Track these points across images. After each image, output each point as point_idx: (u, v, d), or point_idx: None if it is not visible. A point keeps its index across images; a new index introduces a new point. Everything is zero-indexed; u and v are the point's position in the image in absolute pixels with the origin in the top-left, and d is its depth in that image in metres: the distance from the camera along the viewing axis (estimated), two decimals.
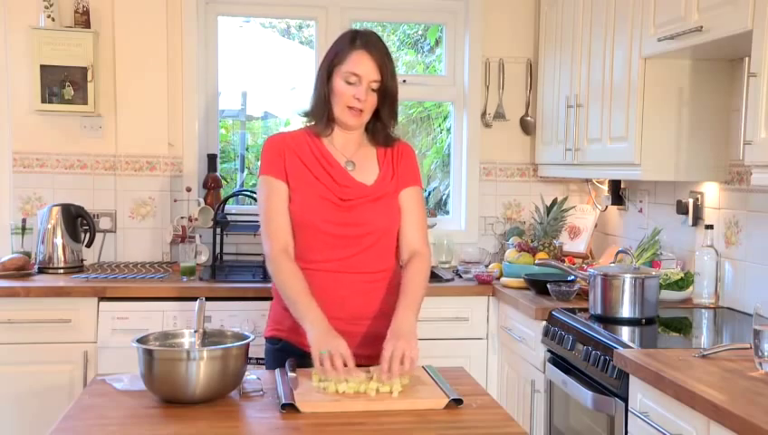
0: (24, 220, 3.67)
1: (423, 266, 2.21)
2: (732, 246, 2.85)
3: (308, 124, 2.27)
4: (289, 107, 4.56)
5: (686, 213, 3.08)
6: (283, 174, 2.18)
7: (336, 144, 2.24)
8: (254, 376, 1.93)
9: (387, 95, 2.19)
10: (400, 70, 4.63)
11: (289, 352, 2.17)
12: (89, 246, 3.61)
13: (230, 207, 3.89)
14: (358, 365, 1.95)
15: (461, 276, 3.59)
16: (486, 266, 3.70)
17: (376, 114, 2.23)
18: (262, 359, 3.14)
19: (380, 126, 2.25)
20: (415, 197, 2.26)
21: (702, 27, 2.38)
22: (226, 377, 1.78)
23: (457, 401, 1.78)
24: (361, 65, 2.14)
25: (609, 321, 2.60)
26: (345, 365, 1.89)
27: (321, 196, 2.16)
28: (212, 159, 3.88)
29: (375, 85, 2.16)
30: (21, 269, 3.37)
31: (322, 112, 2.20)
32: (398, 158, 2.27)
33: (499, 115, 4.03)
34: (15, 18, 3.66)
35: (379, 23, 4.33)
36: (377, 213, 2.19)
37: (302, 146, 2.21)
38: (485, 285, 3.41)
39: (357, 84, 2.14)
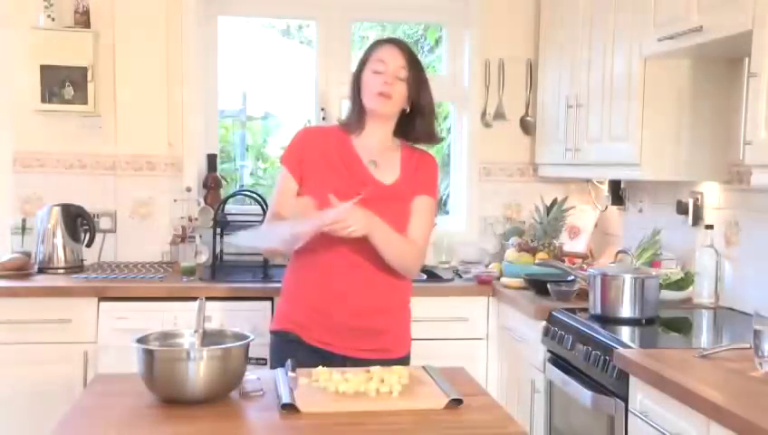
0: (23, 220, 3.67)
1: (413, 247, 2.27)
2: (732, 246, 2.85)
3: (342, 122, 2.37)
4: (289, 107, 4.55)
5: (686, 213, 3.08)
6: (297, 167, 2.29)
7: (363, 142, 2.31)
8: (254, 376, 1.92)
9: (421, 87, 2.26)
10: None
11: (296, 344, 2.20)
12: (89, 246, 3.61)
13: (230, 207, 3.89)
14: (356, 360, 2.00)
15: (461, 276, 3.59)
16: (486, 266, 3.70)
17: (411, 116, 2.30)
18: (262, 359, 3.14)
19: (418, 123, 2.32)
20: (426, 204, 2.33)
21: (702, 27, 2.38)
22: (226, 377, 1.78)
23: (457, 401, 1.78)
24: (387, 53, 2.25)
25: (609, 321, 2.60)
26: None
27: (337, 188, 2.19)
28: (212, 159, 3.88)
29: (402, 73, 2.24)
30: (21, 269, 3.37)
31: (354, 109, 2.32)
32: (421, 166, 2.35)
33: (499, 115, 4.03)
34: (15, 18, 3.66)
35: (379, 23, 4.32)
36: (387, 212, 2.22)
37: (328, 140, 2.31)
38: (485, 285, 3.40)
39: (383, 72, 2.23)
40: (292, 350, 2.18)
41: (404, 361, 2.27)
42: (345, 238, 2.15)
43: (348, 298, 2.21)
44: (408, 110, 2.31)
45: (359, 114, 2.30)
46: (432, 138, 2.37)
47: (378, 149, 2.31)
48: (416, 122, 2.33)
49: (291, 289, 2.33)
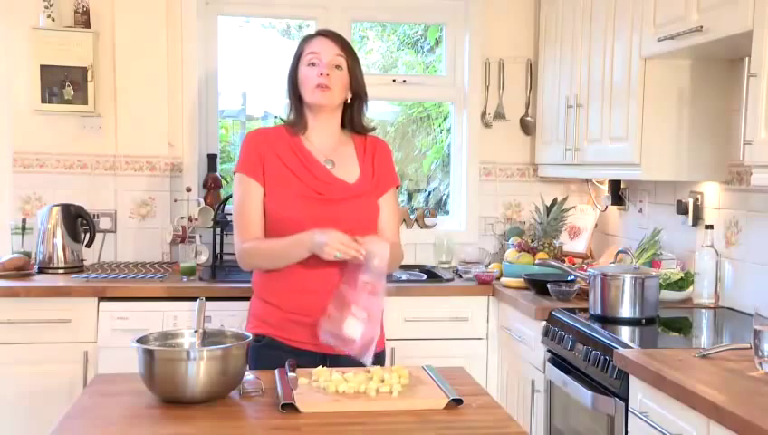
0: (24, 220, 3.66)
1: (397, 248, 2.28)
2: (732, 246, 2.85)
3: (285, 121, 2.33)
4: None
5: (686, 213, 3.08)
6: (259, 172, 2.23)
7: (314, 142, 2.29)
8: (254, 376, 1.92)
9: (353, 76, 2.25)
10: (400, 70, 4.63)
11: (275, 348, 2.19)
12: (89, 246, 3.61)
13: (230, 207, 3.88)
14: (336, 357, 2.03)
15: (461, 276, 3.59)
16: (486, 266, 3.70)
17: (349, 106, 2.29)
18: None
19: (357, 110, 2.31)
20: (392, 196, 2.35)
21: (702, 27, 2.38)
22: (226, 377, 1.78)
23: (457, 401, 1.78)
24: (319, 45, 2.25)
25: (609, 321, 2.60)
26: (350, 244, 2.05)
27: (300, 192, 2.20)
28: (212, 159, 3.88)
29: (339, 61, 2.23)
30: (21, 269, 3.37)
31: (295, 108, 2.28)
32: (377, 156, 2.33)
33: (499, 115, 4.03)
34: (15, 18, 3.66)
35: (379, 23, 4.32)
36: (358, 210, 2.23)
37: (281, 142, 2.26)
38: (485, 285, 3.41)
39: (318, 64, 2.22)
40: (269, 354, 2.17)
41: (380, 355, 2.26)
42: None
43: (321, 297, 2.16)
44: (350, 99, 2.29)
45: (300, 112, 2.27)
46: (364, 128, 2.34)
47: (330, 146, 2.29)
48: (357, 110, 2.31)
49: (263, 290, 2.30)
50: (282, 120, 2.37)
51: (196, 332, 1.89)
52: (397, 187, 2.38)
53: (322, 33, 2.30)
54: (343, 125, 2.33)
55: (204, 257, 3.61)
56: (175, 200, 3.80)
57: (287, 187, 2.21)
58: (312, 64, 2.22)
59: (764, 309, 2.07)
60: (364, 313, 2.07)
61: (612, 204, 3.69)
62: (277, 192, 2.22)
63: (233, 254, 3.71)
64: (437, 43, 4.43)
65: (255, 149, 2.26)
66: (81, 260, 3.58)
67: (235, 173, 2.29)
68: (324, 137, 2.29)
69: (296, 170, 2.22)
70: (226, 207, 3.70)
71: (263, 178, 2.23)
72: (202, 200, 3.79)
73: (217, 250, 3.56)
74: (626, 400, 2.18)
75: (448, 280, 3.51)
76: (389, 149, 2.41)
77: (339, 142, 2.31)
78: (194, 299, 2.02)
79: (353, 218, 2.21)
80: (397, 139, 4.78)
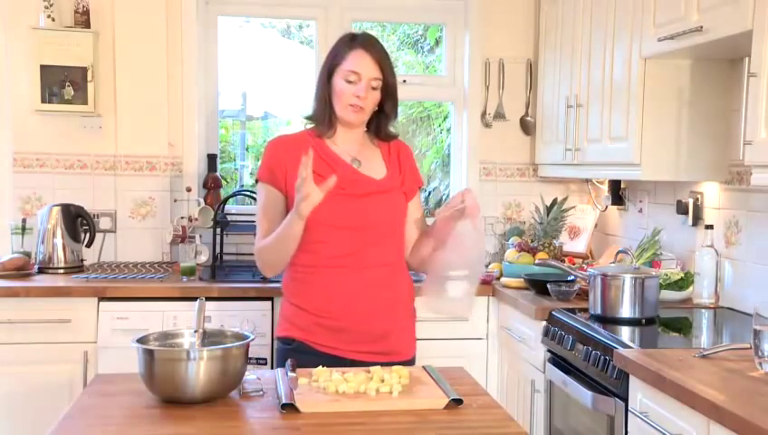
0: (24, 220, 3.66)
1: None
2: (732, 246, 2.85)
3: (310, 126, 2.31)
4: (289, 107, 4.56)
5: (686, 213, 3.08)
6: (281, 181, 2.22)
7: (339, 144, 2.28)
8: (254, 376, 1.93)
9: (388, 93, 2.25)
10: (400, 70, 4.63)
11: (304, 352, 2.18)
12: (89, 246, 3.61)
13: (230, 207, 3.89)
14: (364, 363, 1.99)
15: None
16: (486, 266, 3.70)
17: (379, 111, 2.28)
18: (262, 359, 3.17)
19: (384, 122, 2.31)
20: (419, 199, 2.40)
21: (702, 27, 2.38)
22: (226, 377, 1.78)
23: (457, 401, 1.78)
24: (360, 63, 2.19)
25: (608, 321, 2.60)
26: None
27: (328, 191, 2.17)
28: (212, 159, 3.88)
29: (375, 83, 2.21)
30: (21, 269, 3.37)
31: (324, 114, 2.25)
32: (401, 156, 2.35)
33: (499, 115, 4.03)
34: (15, 18, 3.66)
35: (379, 23, 4.32)
36: (383, 205, 2.23)
37: (302, 147, 2.21)
38: (485, 285, 3.40)
39: (357, 82, 2.19)
40: (298, 356, 2.14)
41: (410, 363, 2.26)
42: (348, 236, 2.16)
43: (349, 301, 2.18)
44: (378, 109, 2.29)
45: (330, 118, 2.24)
46: (388, 136, 2.34)
47: (356, 148, 2.29)
48: (384, 121, 2.31)
49: (293, 294, 2.28)
50: (308, 119, 2.32)
51: (196, 332, 1.89)
52: (420, 187, 2.41)
53: (364, 47, 2.21)
54: (368, 128, 2.33)
55: (204, 257, 3.61)
56: (175, 200, 3.80)
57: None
58: (350, 82, 2.19)
59: (764, 309, 2.07)
60: (465, 270, 2.10)
61: (612, 204, 3.69)
62: None
63: (233, 254, 3.76)
64: (437, 43, 4.43)
65: (276, 158, 2.25)
66: (81, 260, 3.58)
67: (256, 181, 2.30)
68: (350, 140, 2.29)
69: (321, 171, 2.18)
70: (226, 207, 3.71)
71: (283, 186, 2.22)
72: (202, 200, 3.80)
73: (217, 250, 3.56)
74: (626, 400, 2.18)
75: None
76: (411, 150, 2.42)
77: (363, 144, 2.32)
78: (194, 299, 2.02)
79: (379, 214, 2.21)
80: None
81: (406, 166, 2.34)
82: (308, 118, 2.31)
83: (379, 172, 2.28)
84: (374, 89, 2.21)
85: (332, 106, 2.23)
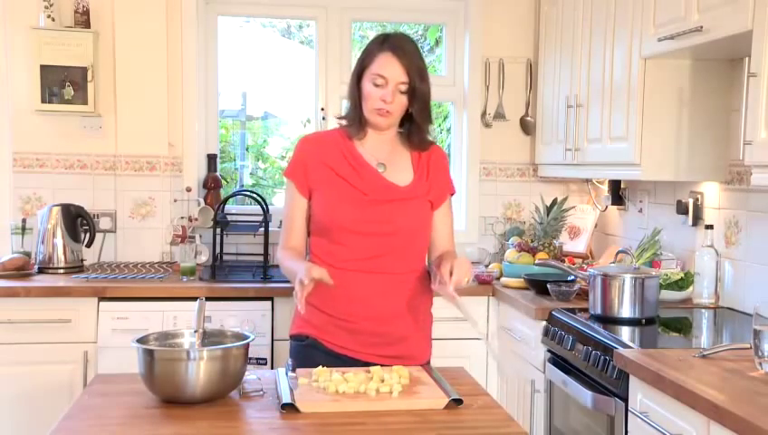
0: (24, 220, 3.67)
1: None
2: (732, 246, 2.85)
3: (344, 125, 2.29)
4: (289, 107, 4.56)
5: (686, 213, 3.08)
6: (304, 180, 2.23)
7: (368, 146, 2.26)
8: (254, 376, 1.93)
9: (417, 97, 2.19)
10: None
11: (316, 349, 2.18)
12: (89, 246, 3.61)
13: (230, 207, 3.89)
14: (382, 365, 1.98)
15: None
16: (486, 266, 3.70)
17: (409, 117, 2.24)
18: (262, 359, 3.17)
19: (415, 129, 2.26)
20: (448, 206, 2.33)
21: (702, 27, 2.38)
22: (226, 377, 1.78)
23: (457, 401, 1.78)
24: (387, 67, 2.16)
25: (608, 321, 2.60)
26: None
27: (346, 195, 2.17)
28: (212, 159, 3.88)
29: (403, 87, 2.17)
30: (21, 269, 3.37)
31: (355, 115, 2.24)
32: (432, 162, 2.29)
33: (499, 115, 4.03)
34: (15, 18, 3.66)
35: (379, 23, 4.33)
36: (407, 213, 2.20)
37: (331, 147, 2.24)
38: (485, 285, 3.40)
39: (383, 86, 2.16)
40: (312, 355, 2.15)
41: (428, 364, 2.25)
42: (368, 242, 2.15)
43: (369, 304, 2.17)
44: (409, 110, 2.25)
45: (360, 120, 2.23)
46: (421, 145, 2.28)
47: (384, 151, 2.26)
48: (416, 128, 2.26)
49: (310, 294, 2.22)
50: (341, 119, 2.31)
51: (196, 332, 1.89)
52: (452, 194, 2.36)
53: (393, 50, 2.17)
54: (401, 132, 2.29)
55: (204, 257, 3.61)
56: (175, 200, 3.80)
57: (332, 190, 2.19)
58: (377, 86, 2.16)
59: (764, 309, 2.06)
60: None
61: (612, 204, 3.69)
62: (323, 196, 2.20)
63: (233, 254, 3.76)
64: (437, 43, 4.43)
65: (303, 155, 2.25)
66: (81, 260, 3.58)
67: (284, 175, 2.32)
68: (379, 143, 2.26)
69: (345, 174, 2.19)
70: (226, 207, 3.71)
71: (307, 185, 2.22)
72: (202, 200, 3.80)
73: (217, 250, 3.56)
74: (626, 400, 2.18)
75: None
76: (446, 156, 2.38)
77: (393, 148, 2.28)
78: (194, 299, 2.02)
79: (400, 222, 2.19)
80: None
81: (435, 173, 2.28)
82: (341, 118, 2.31)
83: (404, 179, 2.24)
84: (402, 93, 2.17)
85: (362, 109, 2.21)
